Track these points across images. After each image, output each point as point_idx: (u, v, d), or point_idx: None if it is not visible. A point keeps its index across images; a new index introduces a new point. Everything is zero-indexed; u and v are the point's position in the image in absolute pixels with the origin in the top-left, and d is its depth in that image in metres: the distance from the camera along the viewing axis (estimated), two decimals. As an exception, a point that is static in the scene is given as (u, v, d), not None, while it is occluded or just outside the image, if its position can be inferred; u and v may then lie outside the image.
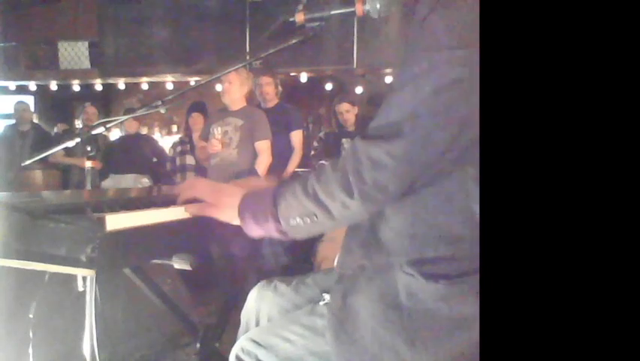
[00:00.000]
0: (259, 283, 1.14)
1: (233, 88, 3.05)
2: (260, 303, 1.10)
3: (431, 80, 0.74)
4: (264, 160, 3.05)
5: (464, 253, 0.80)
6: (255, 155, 3.08)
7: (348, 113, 3.68)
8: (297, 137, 3.46)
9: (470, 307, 0.78)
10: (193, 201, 0.97)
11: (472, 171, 0.79)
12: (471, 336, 0.78)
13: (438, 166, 0.78)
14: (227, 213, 0.91)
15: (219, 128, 3.05)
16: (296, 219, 0.83)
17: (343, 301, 0.86)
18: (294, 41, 1.07)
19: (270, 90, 3.44)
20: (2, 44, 5.60)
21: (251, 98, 3.28)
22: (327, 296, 0.97)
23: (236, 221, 0.90)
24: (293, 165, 3.42)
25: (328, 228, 0.84)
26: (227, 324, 1.50)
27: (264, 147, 3.07)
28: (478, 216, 0.78)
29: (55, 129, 5.45)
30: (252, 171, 2.99)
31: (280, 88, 3.54)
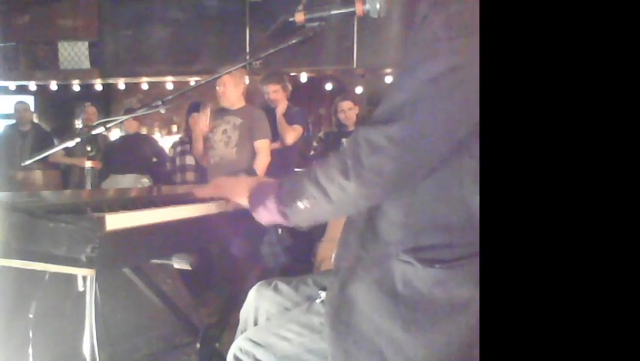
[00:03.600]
0: (259, 283, 1.14)
1: (228, 90, 3.04)
2: (259, 301, 1.10)
3: (428, 68, 0.76)
4: (262, 160, 3.03)
5: (459, 240, 0.82)
6: (254, 154, 3.07)
7: (350, 111, 3.68)
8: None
9: (465, 292, 0.80)
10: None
11: (467, 162, 0.80)
12: (467, 320, 0.80)
13: (436, 156, 0.80)
14: (239, 194, 0.98)
15: (204, 112, 3.05)
16: (297, 202, 0.85)
17: (340, 291, 0.87)
18: (294, 41, 1.07)
19: (278, 97, 3.42)
20: (2, 44, 5.59)
21: (250, 96, 3.27)
22: (323, 294, 0.98)
23: (245, 201, 0.96)
24: (290, 139, 3.36)
25: (328, 213, 0.86)
26: (227, 324, 1.50)
27: (262, 147, 3.05)
28: (472, 205, 0.80)
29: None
30: (250, 171, 2.98)
31: (290, 87, 3.51)
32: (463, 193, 0.81)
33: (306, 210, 0.85)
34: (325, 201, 0.82)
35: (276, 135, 3.33)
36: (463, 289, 0.81)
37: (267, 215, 0.91)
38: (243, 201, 0.97)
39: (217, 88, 3.08)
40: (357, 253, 0.88)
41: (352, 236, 0.90)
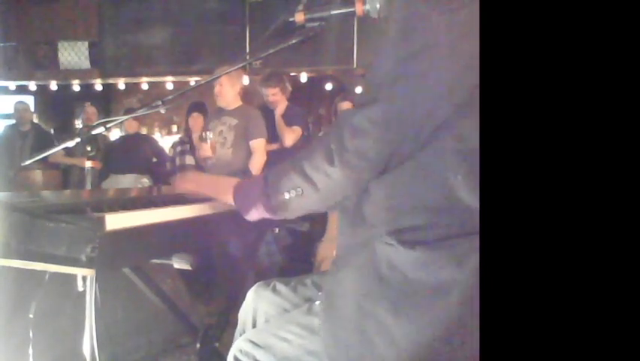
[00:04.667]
0: (257, 283, 1.14)
1: (224, 89, 3.06)
2: (257, 303, 1.10)
3: (405, 46, 0.76)
4: (257, 159, 3.05)
5: (440, 220, 0.81)
6: (250, 154, 3.08)
7: None
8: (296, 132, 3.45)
9: (447, 274, 0.80)
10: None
11: (449, 143, 0.79)
12: (450, 302, 0.79)
13: (418, 135, 0.79)
14: (222, 191, 0.96)
15: (210, 133, 3.06)
16: (283, 194, 0.85)
17: (333, 277, 0.88)
18: (294, 41, 1.07)
19: (277, 99, 3.41)
20: (2, 44, 5.59)
21: (250, 96, 3.28)
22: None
23: (229, 199, 0.94)
24: (290, 141, 3.35)
25: (315, 203, 0.86)
26: (227, 324, 1.50)
27: (258, 146, 3.06)
28: (454, 185, 0.80)
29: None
30: (246, 171, 2.98)
31: (289, 88, 3.51)
32: (445, 174, 0.80)
33: (292, 201, 0.85)
34: (312, 190, 0.82)
35: (275, 137, 3.33)
36: (445, 271, 0.80)
37: (253, 211, 0.90)
38: (228, 199, 0.95)
39: (214, 88, 3.09)
40: (349, 239, 0.89)
41: (345, 223, 0.91)
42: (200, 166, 3.90)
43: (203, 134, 3.08)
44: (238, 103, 3.15)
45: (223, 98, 3.09)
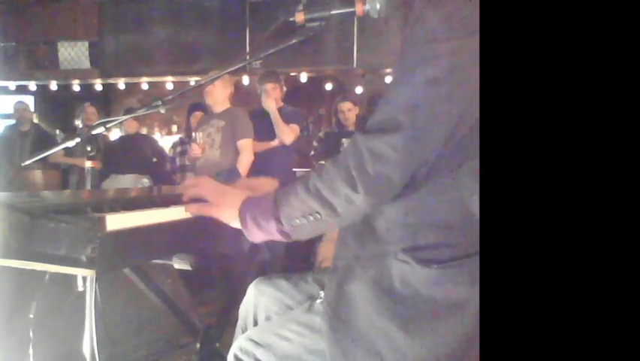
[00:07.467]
0: (258, 279, 1.14)
1: (216, 90, 3.12)
2: (258, 298, 1.10)
3: (426, 72, 0.75)
4: (244, 159, 3.09)
5: (456, 239, 0.82)
6: (237, 155, 3.12)
7: (350, 112, 3.68)
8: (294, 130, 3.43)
9: (462, 292, 0.81)
10: (196, 199, 0.96)
11: (465, 161, 0.80)
12: (463, 320, 0.80)
13: (438, 156, 0.79)
14: (228, 215, 0.91)
15: (201, 134, 3.12)
16: (299, 219, 0.82)
17: (338, 289, 0.87)
18: (294, 41, 1.07)
19: (276, 95, 3.42)
20: (2, 44, 5.60)
21: (235, 98, 3.32)
22: (323, 294, 0.98)
23: (236, 223, 0.90)
24: (289, 139, 3.30)
25: (332, 225, 0.84)
26: (227, 324, 1.50)
27: (244, 146, 3.10)
28: (469, 205, 0.80)
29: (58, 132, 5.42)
30: (233, 171, 3.02)
31: (285, 88, 3.53)
32: (460, 192, 0.82)
33: (309, 225, 0.82)
34: (331, 214, 0.81)
35: (272, 135, 3.32)
36: (459, 289, 0.81)
37: (263, 235, 0.87)
38: (234, 223, 0.90)
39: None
40: (355, 251, 0.88)
41: (350, 235, 0.90)
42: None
43: (194, 135, 3.13)
44: (226, 105, 3.21)
45: (212, 97, 3.15)
